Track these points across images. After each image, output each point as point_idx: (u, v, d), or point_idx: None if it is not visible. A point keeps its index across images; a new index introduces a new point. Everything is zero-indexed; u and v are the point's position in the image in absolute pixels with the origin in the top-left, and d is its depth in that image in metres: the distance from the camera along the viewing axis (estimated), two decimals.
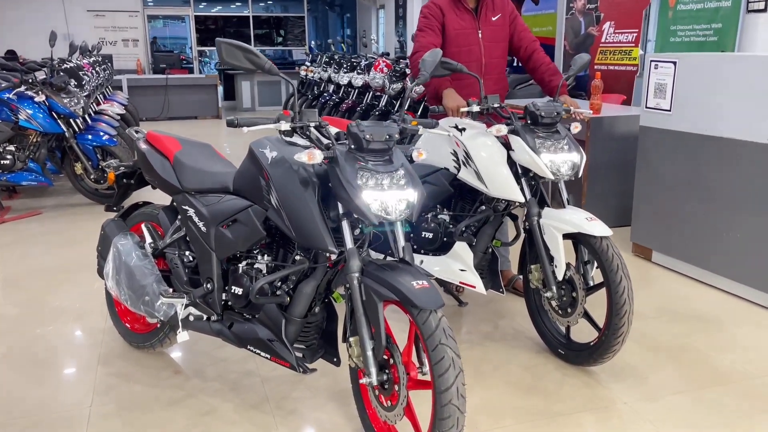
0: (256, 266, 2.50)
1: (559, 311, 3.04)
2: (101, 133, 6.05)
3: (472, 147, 3.15)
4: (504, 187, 3.06)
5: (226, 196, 2.59)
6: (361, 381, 2.31)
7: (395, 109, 8.26)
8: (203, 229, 2.61)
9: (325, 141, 2.25)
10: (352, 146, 2.15)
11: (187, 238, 2.79)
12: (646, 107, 4.43)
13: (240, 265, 2.52)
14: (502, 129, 3.03)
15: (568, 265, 2.97)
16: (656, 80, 4.32)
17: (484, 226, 3.26)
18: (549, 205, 3.22)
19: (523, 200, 3.06)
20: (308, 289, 2.33)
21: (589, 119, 5.02)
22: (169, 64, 12.99)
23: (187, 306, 2.71)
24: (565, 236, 2.95)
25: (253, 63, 2.20)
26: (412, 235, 3.46)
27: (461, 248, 3.24)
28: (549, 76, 3.63)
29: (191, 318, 2.72)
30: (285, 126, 2.21)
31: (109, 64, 10.68)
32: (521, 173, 3.10)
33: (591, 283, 2.99)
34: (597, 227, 2.84)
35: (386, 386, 2.17)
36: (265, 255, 2.51)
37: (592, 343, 2.93)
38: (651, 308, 3.77)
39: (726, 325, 3.55)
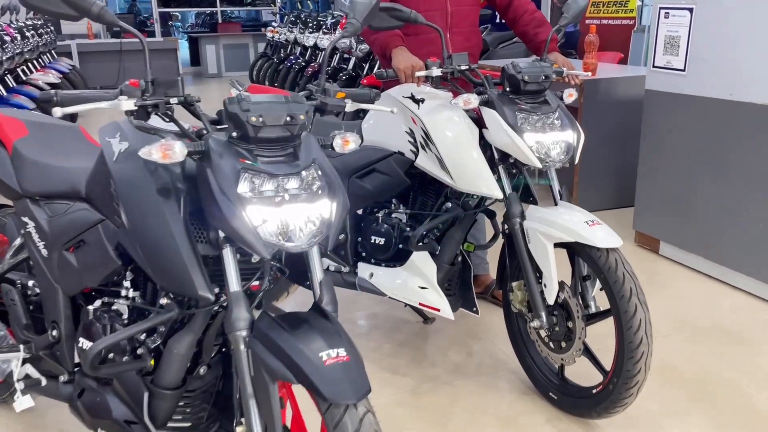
0: (114, 308, 1.77)
1: (551, 344, 2.28)
2: (6, 107, 5.17)
3: (432, 125, 2.35)
4: (474, 178, 2.27)
5: (76, 204, 1.90)
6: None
7: (364, 72, 7.40)
8: (44, 252, 1.93)
9: (193, 126, 1.55)
10: (234, 135, 1.48)
11: (30, 263, 2.07)
12: (654, 66, 3.62)
13: (90, 306, 1.79)
14: (472, 100, 2.23)
15: (561, 284, 2.21)
16: (667, 32, 3.50)
17: (450, 230, 2.47)
18: (536, 200, 2.45)
19: (500, 196, 2.28)
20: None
21: (583, 82, 4.21)
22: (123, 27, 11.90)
23: (26, 361, 1.93)
24: (558, 244, 2.18)
25: (71, 4, 1.42)
26: (359, 240, 2.68)
27: (421, 259, 2.46)
28: (534, 27, 2.81)
29: (31, 379, 1.94)
30: (128, 104, 1.48)
31: (52, 27, 9.68)
32: (498, 159, 2.32)
33: (593, 309, 2.22)
34: (600, 235, 2.07)
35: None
36: (129, 290, 1.76)
37: (595, 391, 2.18)
38: (663, 320, 3.02)
39: (761, 343, 2.81)
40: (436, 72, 2.32)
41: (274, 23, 11.29)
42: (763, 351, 2.74)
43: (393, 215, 2.60)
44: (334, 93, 1.80)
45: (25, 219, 1.96)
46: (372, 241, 2.60)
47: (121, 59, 11.59)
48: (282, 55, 10.18)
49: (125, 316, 1.73)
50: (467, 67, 2.36)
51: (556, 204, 2.33)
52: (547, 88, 2.29)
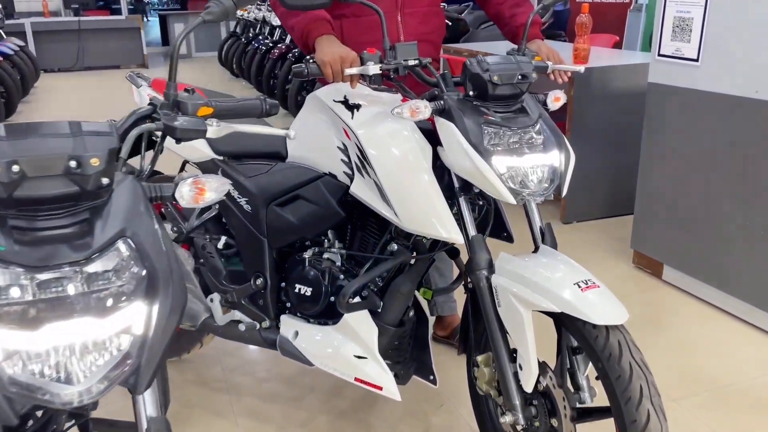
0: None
1: None
2: None
3: (369, 141, 1.73)
4: (425, 215, 1.66)
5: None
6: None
7: None
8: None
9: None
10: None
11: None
12: (659, 55, 2.99)
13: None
14: (422, 108, 1.61)
15: (542, 365, 1.61)
16: (676, 13, 2.87)
17: (397, 278, 1.86)
18: (510, 237, 1.86)
19: (460, 240, 1.67)
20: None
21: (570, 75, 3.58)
22: (83, 4, 11.13)
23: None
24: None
25: None
26: (283, 285, 2.06)
27: (357, 320, 1.85)
28: (510, 8, 2.18)
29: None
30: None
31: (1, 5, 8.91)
32: (458, 188, 1.71)
33: (587, 398, 1.62)
34: (598, 305, 1.47)
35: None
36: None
37: None
38: (671, 376, 2.43)
39: None
40: (372, 68, 1.69)
41: None
42: None
43: (324, 255, 1.98)
44: (195, 108, 1.17)
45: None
46: (297, 289, 1.98)
47: (80, 39, 10.82)
48: (251, 35, 9.45)
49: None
50: (416, 61, 1.73)
51: (536, 249, 1.72)
52: (525, 91, 1.67)
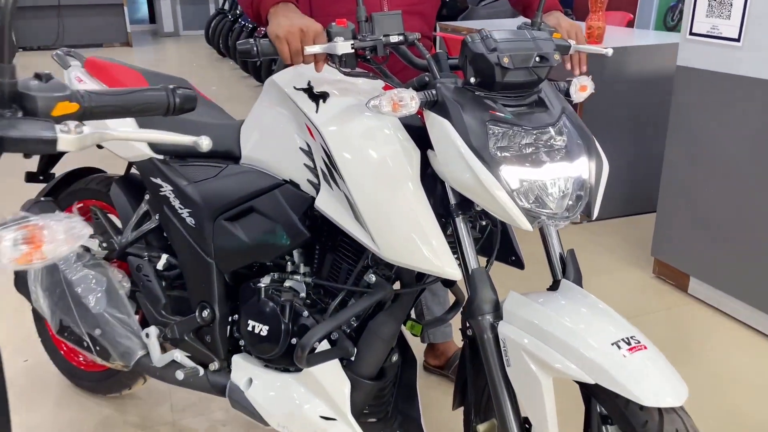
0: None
1: None
2: None
3: (337, 142, 1.32)
4: (410, 241, 1.26)
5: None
6: None
7: None
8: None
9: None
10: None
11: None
12: (691, 34, 2.56)
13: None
14: (407, 99, 1.21)
15: None
16: None
17: (378, 317, 1.45)
18: (520, 262, 1.48)
19: (457, 276, 1.27)
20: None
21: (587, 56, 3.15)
22: None
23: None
24: None
25: None
26: (234, 318, 1.66)
27: (324, 372, 1.44)
28: None
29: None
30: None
31: None
32: (455, 205, 1.30)
33: None
34: (647, 379, 1.07)
35: None
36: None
37: None
38: (704, 410, 2.04)
39: None
40: (342, 46, 1.27)
41: None
42: None
43: (286, 284, 1.57)
44: (48, 105, 0.76)
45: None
46: (250, 327, 1.57)
47: (60, 14, 10.30)
48: (238, 11, 8.96)
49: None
50: (400, 37, 1.31)
51: (555, 283, 1.32)
52: (544, 77, 1.26)
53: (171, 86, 0.90)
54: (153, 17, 13.20)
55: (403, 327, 1.60)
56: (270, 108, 1.54)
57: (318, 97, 1.38)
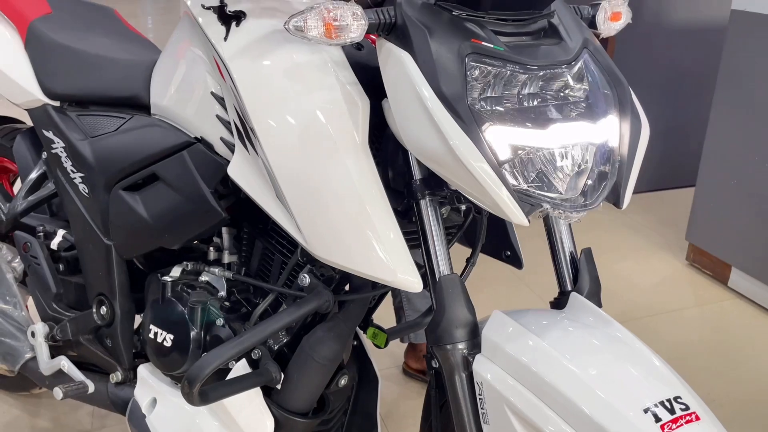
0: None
1: None
2: None
3: (250, 84, 0.90)
4: (351, 236, 0.85)
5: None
6: None
7: None
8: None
9: None
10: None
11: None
12: None
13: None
14: (348, 18, 0.79)
15: None
16: None
17: (314, 332, 1.05)
18: (519, 260, 1.06)
19: (417, 287, 0.86)
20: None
21: None
22: None
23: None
24: None
25: None
26: (147, 325, 1.28)
27: (240, 406, 1.05)
28: None
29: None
30: None
31: None
32: (418, 182, 0.88)
33: None
34: None
35: None
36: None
37: None
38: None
39: None
40: None
41: None
42: None
43: (202, 278, 1.17)
44: None
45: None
46: (152, 333, 1.18)
47: None
48: None
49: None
50: None
51: (561, 296, 0.93)
52: None
53: None
54: None
55: (363, 335, 1.22)
56: (183, 40, 1.12)
57: (230, 19, 0.96)
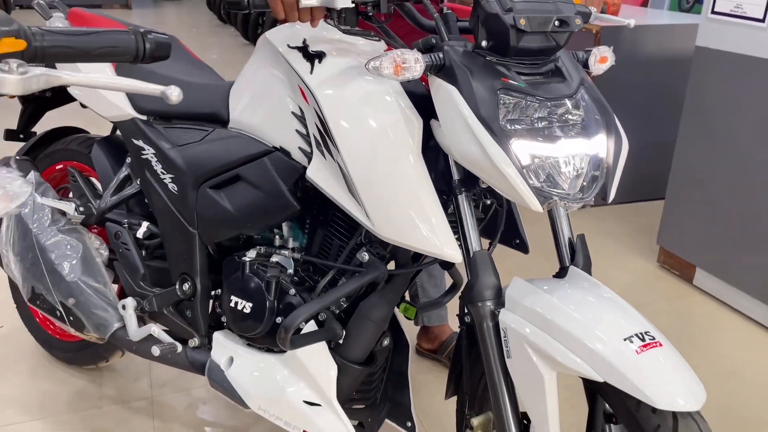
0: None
1: None
2: None
3: (333, 107, 1.20)
4: (408, 219, 1.16)
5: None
6: None
7: None
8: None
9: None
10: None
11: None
12: (713, 12, 2.43)
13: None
14: (411, 62, 1.09)
15: None
16: None
17: (369, 299, 1.34)
18: (524, 246, 1.37)
19: (458, 259, 1.17)
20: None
21: (600, 30, 3.02)
22: None
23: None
24: None
25: None
26: (217, 293, 1.56)
27: (310, 355, 1.35)
28: None
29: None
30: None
31: None
32: (458, 182, 1.20)
33: None
34: (662, 380, 0.97)
35: None
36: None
37: None
38: (714, 414, 1.94)
39: None
40: (341, 0, 1.15)
41: None
42: None
43: (273, 259, 1.46)
44: None
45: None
46: (232, 303, 1.47)
47: None
48: None
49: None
50: None
51: (562, 269, 1.22)
52: (563, 45, 1.15)
53: (141, 29, 0.79)
54: None
55: (396, 309, 1.51)
56: (262, 68, 1.42)
57: (313, 57, 1.26)
